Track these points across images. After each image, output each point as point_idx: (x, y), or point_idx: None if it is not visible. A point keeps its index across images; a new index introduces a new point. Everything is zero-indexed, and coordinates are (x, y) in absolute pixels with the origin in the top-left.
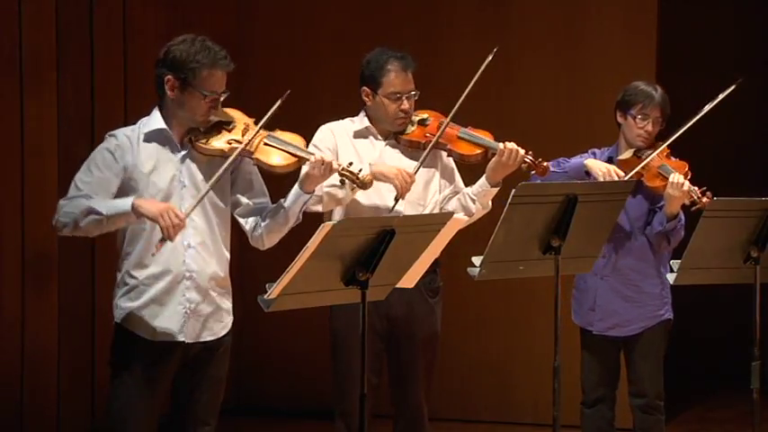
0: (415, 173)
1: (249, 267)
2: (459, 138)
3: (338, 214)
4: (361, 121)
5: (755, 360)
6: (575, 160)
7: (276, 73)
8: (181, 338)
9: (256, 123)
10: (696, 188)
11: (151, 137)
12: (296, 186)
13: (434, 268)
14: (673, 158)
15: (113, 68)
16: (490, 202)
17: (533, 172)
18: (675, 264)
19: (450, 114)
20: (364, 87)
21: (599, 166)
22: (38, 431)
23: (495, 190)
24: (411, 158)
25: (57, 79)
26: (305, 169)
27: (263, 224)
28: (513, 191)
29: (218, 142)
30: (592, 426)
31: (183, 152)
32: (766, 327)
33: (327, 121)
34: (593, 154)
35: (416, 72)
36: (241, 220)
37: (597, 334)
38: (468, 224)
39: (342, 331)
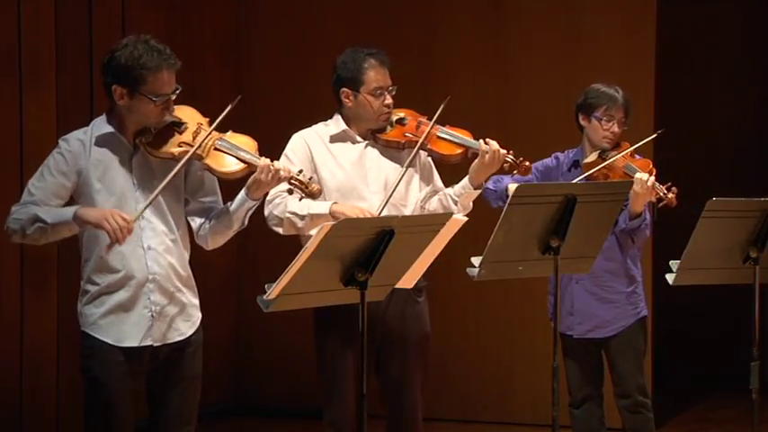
0: (380, 212)
1: (248, 268)
2: (440, 137)
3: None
4: (336, 125)
5: (755, 360)
6: (506, 181)
7: (275, 72)
8: (149, 342)
9: (210, 124)
10: (660, 185)
11: (102, 141)
12: (242, 191)
13: None
14: (637, 157)
15: None
16: (471, 204)
17: (515, 172)
18: (674, 264)
19: (434, 120)
20: (344, 89)
21: None
22: (37, 431)
23: (478, 192)
24: (390, 159)
25: (56, 80)
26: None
27: (207, 225)
28: (513, 191)
29: (169, 146)
30: (584, 425)
31: (135, 154)
32: (765, 327)
33: (325, 120)
34: (557, 158)
35: (415, 71)
36: (189, 219)
37: (578, 338)
38: (466, 224)
39: (328, 337)
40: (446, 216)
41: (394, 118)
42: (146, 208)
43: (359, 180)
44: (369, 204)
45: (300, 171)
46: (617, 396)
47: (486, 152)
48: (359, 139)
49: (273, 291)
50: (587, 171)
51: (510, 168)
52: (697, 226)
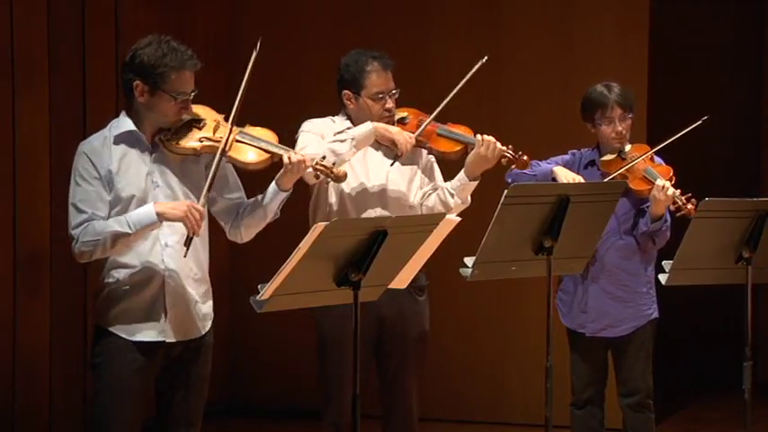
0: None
1: (242, 268)
2: (439, 135)
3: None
4: (341, 123)
5: (747, 360)
6: (545, 165)
7: (268, 73)
8: (161, 338)
9: (226, 120)
10: (679, 193)
11: (121, 139)
12: (273, 184)
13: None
14: (656, 161)
15: (105, 69)
16: (469, 197)
17: (514, 166)
18: (667, 264)
19: (431, 116)
20: (345, 91)
21: (565, 174)
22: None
23: (474, 184)
24: (392, 157)
25: (48, 80)
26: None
27: (241, 221)
28: (506, 191)
29: (191, 141)
30: (584, 426)
31: (154, 152)
32: (758, 327)
33: (326, 116)
34: (573, 155)
35: (407, 72)
36: (219, 217)
37: (590, 336)
38: (459, 224)
39: (328, 336)
40: (439, 216)
41: (396, 117)
42: (208, 191)
43: (363, 177)
44: (377, 213)
45: (324, 157)
46: (621, 395)
47: (482, 144)
48: None
49: (266, 291)
50: (605, 169)
51: (509, 163)
52: (690, 226)
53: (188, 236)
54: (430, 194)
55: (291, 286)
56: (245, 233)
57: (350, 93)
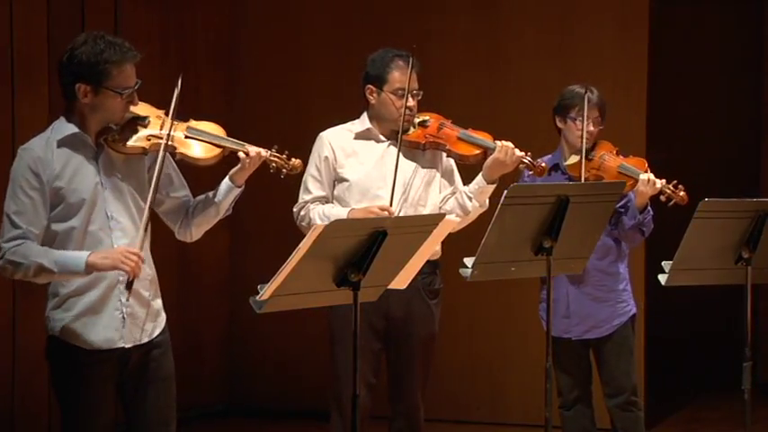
0: (391, 204)
1: (241, 268)
2: (459, 139)
3: None
4: (362, 123)
5: (747, 361)
6: None
7: (267, 74)
8: (120, 344)
9: (167, 114)
10: (665, 181)
11: (65, 142)
12: (226, 180)
13: (435, 270)
14: (622, 156)
15: None
16: (487, 201)
17: (531, 172)
18: (667, 264)
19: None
20: (369, 86)
21: None
22: None
23: (492, 187)
24: (411, 159)
25: (48, 80)
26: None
27: (192, 220)
28: (506, 192)
29: (138, 141)
30: (576, 426)
31: (100, 154)
32: (758, 327)
33: (317, 123)
34: None
35: None
36: (166, 218)
37: (575, 339)
38: (462, 225)
39: (340, 330)
40: (438, 217)
41: (417, 120)
42: (144, 237)
43: (378, 178)
44: (383, 201)
45: (276, 147)
46: (607, 395)
47: (501, 150)
48: (382, 138)
49: (266, 292)
50: (572, 172)
51: (526, 169)
52: (689, 227)
53: (128, 279)
54: (449, 198)
55: (291, 287)
56: (195, 232)
57: (373, 88)
